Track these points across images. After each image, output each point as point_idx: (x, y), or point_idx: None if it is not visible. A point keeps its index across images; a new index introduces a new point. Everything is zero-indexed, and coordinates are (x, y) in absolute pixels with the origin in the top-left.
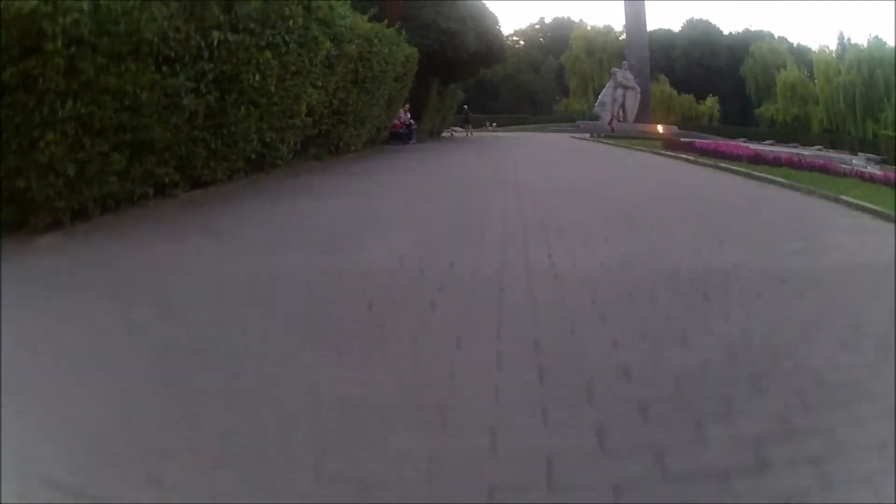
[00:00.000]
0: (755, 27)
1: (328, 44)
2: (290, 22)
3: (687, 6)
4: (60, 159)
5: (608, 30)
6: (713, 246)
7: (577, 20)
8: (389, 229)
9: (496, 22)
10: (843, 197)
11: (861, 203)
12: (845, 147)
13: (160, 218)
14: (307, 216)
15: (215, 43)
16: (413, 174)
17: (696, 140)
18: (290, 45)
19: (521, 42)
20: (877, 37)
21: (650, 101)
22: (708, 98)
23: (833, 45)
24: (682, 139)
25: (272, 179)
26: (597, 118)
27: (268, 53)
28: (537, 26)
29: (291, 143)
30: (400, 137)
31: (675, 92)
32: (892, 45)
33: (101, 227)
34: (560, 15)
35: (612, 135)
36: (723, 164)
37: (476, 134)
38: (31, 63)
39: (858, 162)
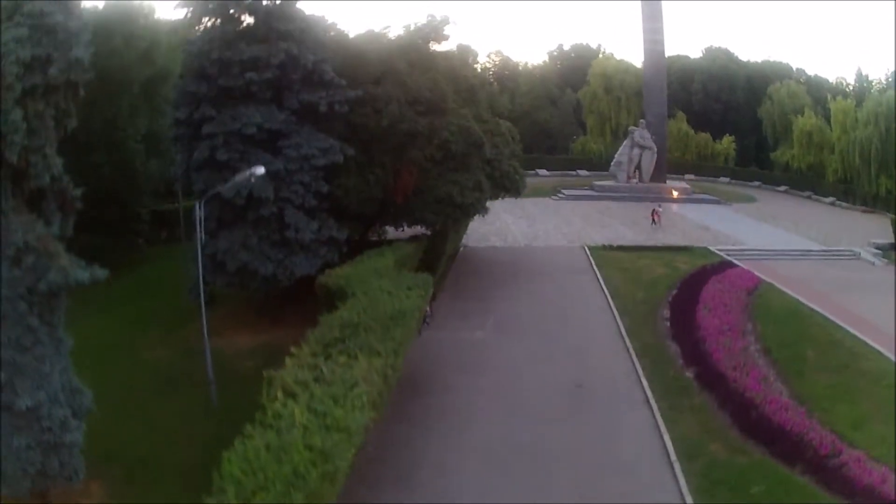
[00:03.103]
0: (774, 58)
1: None
2: None
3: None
4: None
5: (627, 66)
6: None
7: (595, 46)
8: None
9: (514, 163)
10: None
11: None
12: (858, 201)
13: None
14: None
15: None
16: None
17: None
18: None
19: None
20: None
21: (666, 159)
22: (724, 138)
23: (851, 78)
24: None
25: None
26: (614, 177)
27: None
28: (555, 53)
29: None
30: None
31: (691, 131)
32: None
33: None
34: (579, 41)
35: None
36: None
37: None
38: None
39: (866, 256)
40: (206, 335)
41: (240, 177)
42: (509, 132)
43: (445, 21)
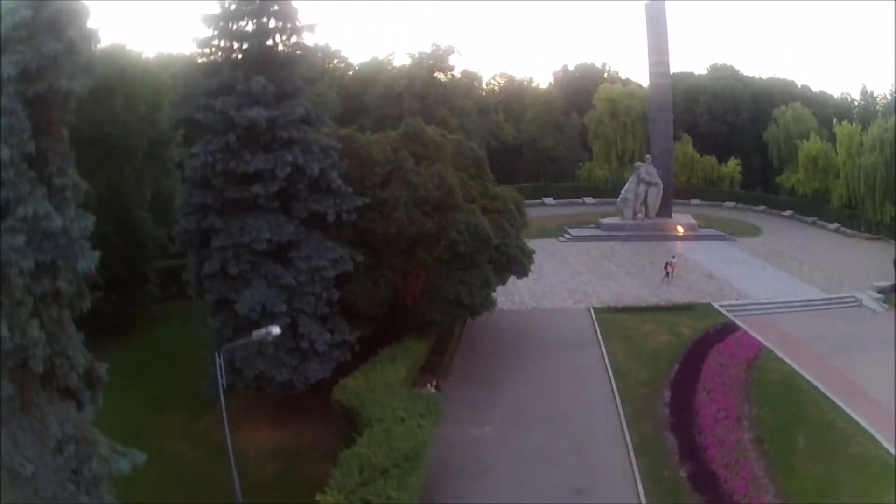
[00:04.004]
0: (778, 74)
1: None
2: None
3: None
4: None
5: (632, 91)
6: None
7: (600, 66)
8: None
9: (520, 243)
10: None
11: None
12: (862, 227)
13: None
14: None
15: None
16: None
17: None
18: None
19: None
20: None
21: (672, 190)
22: (730, 161)
23: (856, 93)
24: None
25: None
26: (620, 213)
27: None
28: (560, 74)
29: None
30: None
31: (697, 154)
32: None
33: None
34: (584, 60)
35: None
36: None
37: None
38: None
39: (868, 302)
40: (230, 451)
41: (256, 335)
42: (515, 204)
43: (450, 51)
